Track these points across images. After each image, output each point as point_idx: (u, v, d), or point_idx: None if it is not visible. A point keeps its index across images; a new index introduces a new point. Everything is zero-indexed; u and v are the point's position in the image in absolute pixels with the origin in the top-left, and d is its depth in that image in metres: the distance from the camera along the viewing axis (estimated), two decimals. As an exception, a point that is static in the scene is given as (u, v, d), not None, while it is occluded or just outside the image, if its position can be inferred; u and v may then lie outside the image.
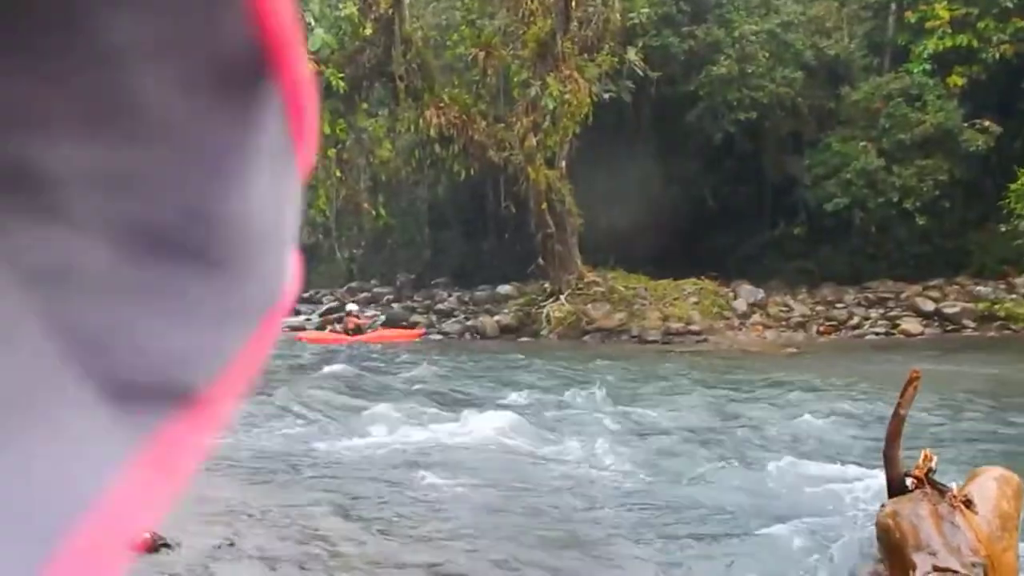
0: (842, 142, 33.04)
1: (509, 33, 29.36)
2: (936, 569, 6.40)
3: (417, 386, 17.74)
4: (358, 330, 27.56)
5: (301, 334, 28.41)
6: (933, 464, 7.06)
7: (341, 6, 26.24)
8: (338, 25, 26.58)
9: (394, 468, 11.20)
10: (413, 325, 30.58)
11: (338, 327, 28.22)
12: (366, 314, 29.84)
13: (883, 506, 7.17)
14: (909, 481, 7.11)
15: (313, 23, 25.61)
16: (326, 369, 20.42)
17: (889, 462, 7.24)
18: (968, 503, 6.63)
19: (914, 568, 6.48)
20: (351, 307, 29.59)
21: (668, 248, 33.60)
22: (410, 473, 10.83)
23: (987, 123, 31.03)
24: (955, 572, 6.36)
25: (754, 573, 7.54)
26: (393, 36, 27.41)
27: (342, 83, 25.73)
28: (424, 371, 20.04)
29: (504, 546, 8.12)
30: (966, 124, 31.30)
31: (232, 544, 7.85)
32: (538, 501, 9.69)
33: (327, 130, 26.47)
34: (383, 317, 29.57)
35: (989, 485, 6.88)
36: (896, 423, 7.13)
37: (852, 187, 31.77)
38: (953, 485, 6.93)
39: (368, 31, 26.90)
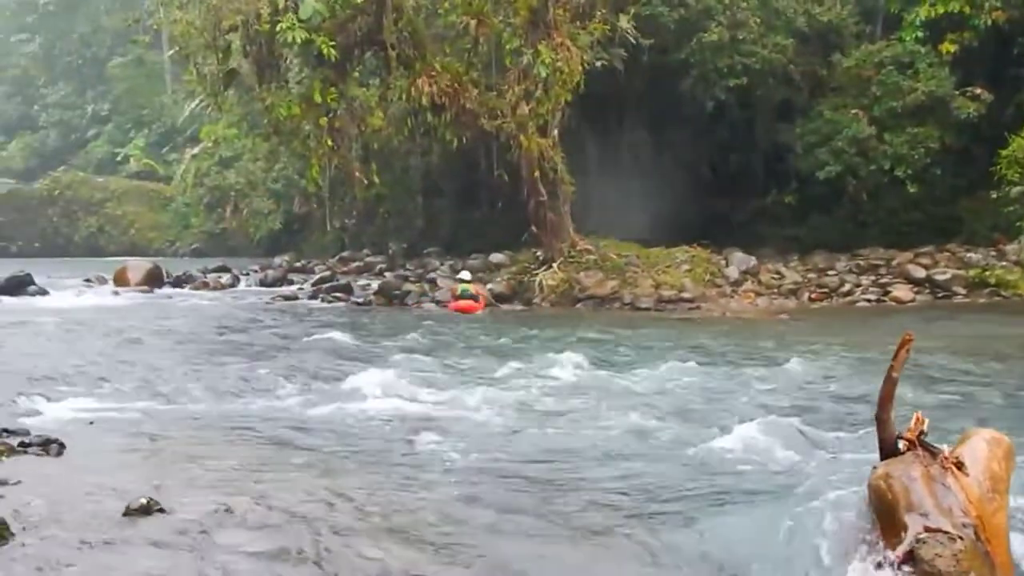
0: (834, 110, 33.08)
1: (500, 1, 29.27)
2: (927, 530, 6.47)
3: (412, 354, 17.77)
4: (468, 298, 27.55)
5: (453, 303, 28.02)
6: (924, 427, 7.13)
7: (332, -26, 26.16)
8: (329, -7, 26.49)
9: (390, 435, 11.26)
10: (403, 292, 30.54)
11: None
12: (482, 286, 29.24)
13: (875, 468, 7.24)
14: (901, 443, 7.17)
15: (304, -9, 25.56)
16: (319, 336, 20.48)
17: (881, 424, 7.31)
18: (959, 465, 6.70)
19: (905, 529, 6.55)
20: (464, 275, 29.13)
21: (660, 216, 33.67)
22: (406, 440, 10.90)
23: (979, 90, 31.12)
24: (946, 533, 6.44)
25: (744, 537, 7.61)
26: (384, 4, 27.29)
27: (333, 51, 25.67)
28: (418, 339, 20.13)
29: (492, 515, 8.18)
30: (957, 91, 31.36)
31: (228, 510, 7.89)
32: (530, 467, 9.76)
33: (318, 99, 26.41)
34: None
35: (980, 447, 6.94)
36: (889, 386, 7.20)
37: (844, 155, 31.84)
38: (944, 447, 7.00)
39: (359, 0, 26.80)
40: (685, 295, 27.47)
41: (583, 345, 18.78)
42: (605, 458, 10.09)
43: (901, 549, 6.48)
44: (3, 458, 9.29)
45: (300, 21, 25.08)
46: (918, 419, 7.18)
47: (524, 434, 11.31)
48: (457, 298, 27.59)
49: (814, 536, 7.25)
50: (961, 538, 6.33)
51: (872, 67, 32.69)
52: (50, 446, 9.78)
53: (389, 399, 13.11)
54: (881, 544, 6.76)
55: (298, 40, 25.02)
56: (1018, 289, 27.58)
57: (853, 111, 32.29)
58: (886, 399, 7.25)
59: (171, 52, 48.56)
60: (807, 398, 13.02)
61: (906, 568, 6.39)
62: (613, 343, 19.28)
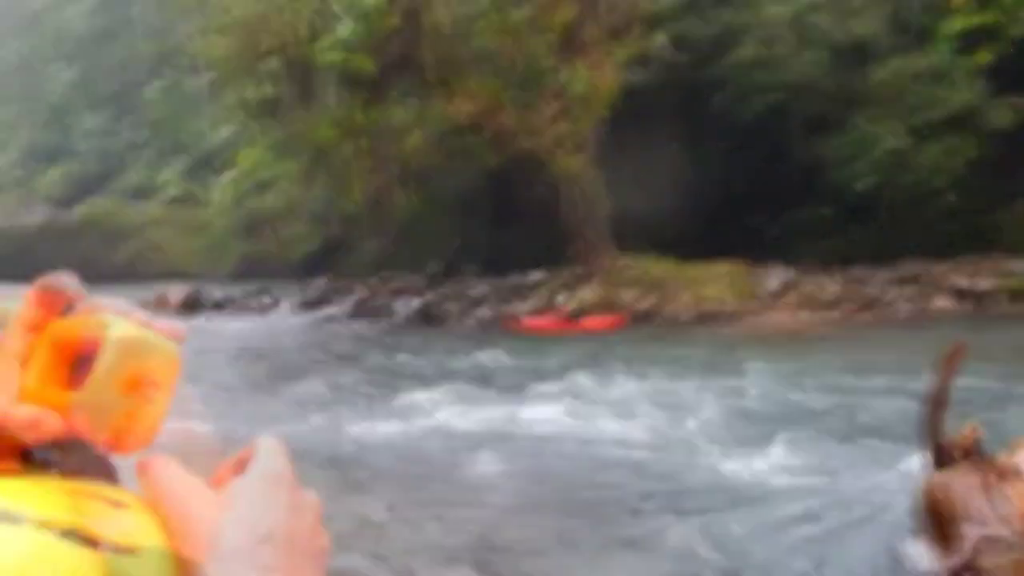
0: (869, 122, 32.97)
1: (535, 20, 29.37)
2: (986, 539, 6.49)
3: (458, 373, 17.85)
4: (576, 314, 27.59)
5: (525, 320, 28.25)
6: (979, 435, 7.14)
7: (367, -3, 26.34)
8: (365, 16, 26.65)
9: (434, 453, 11.34)
10: (443, 312, 30.59)
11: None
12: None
13: (929, 477, 7.26)
14: (955, 452, 7.20)
15: (340, 14, 25.76)
16: (363, 356, 20.56)
17: (934, 433, 7.33)
18: (1015, 472, 6.71)
19: (963, 539, 6.57)
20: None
21: (698, 231, 33.61)
22: (450, 458, 10.97)
23: (1014, 100, 30.95)
24: (1005, 541, 6.45)
25: (796, 548, 7.64)
26: (419, 26, 27.46)
27: (372, 69, 25.84)
28: (461, 357, 20.17)
29: (542, 532, 8.23)
30: (993, 101, 31.21)
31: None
32: (577, 482, 9.81)
33: (359, 119, 26.58)
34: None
35: (1035, 454, 6.95)
36: (940, 394, 7.22)
37: (880, 167, 31.72)
38: (1000, 455, 7.01)
39: (394, 21, 26.95)
40: (726, 309, 27.45)
41: (625, 359, 18.80)
42: (647, 469, 10.12)
43: (959, 558, 6.49)
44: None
45: (338, 43, 25.27)
46: (972, 428, 7.20)
47: (573, 450, 11.35)
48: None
49: (867, 549, 7.27)
50: (1020, 546, 6.35)
51: (906, 79, 32.58)
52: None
53: (438, 417, 13.19)
54: (936, 553, 6.77)
55: (336, 61, 25.20)
56: (1060, 298, 27.38)
57: (889, 123, 32.18)
58: (938, 407, 7.27)
59: (208, 77, 48.97)
60: (854, 409, 13.00)
61: (965, 576, 6.41)
62: (654, 358, 19.25)
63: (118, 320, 0.94)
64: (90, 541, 0.80)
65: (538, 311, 28.85)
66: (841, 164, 33.04)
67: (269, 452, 0.92)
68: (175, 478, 0.89)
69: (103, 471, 0.94)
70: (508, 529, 8.31)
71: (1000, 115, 30.64)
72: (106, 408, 0.91)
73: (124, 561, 0.80)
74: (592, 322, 27.18)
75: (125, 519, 0.85)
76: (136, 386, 0.93)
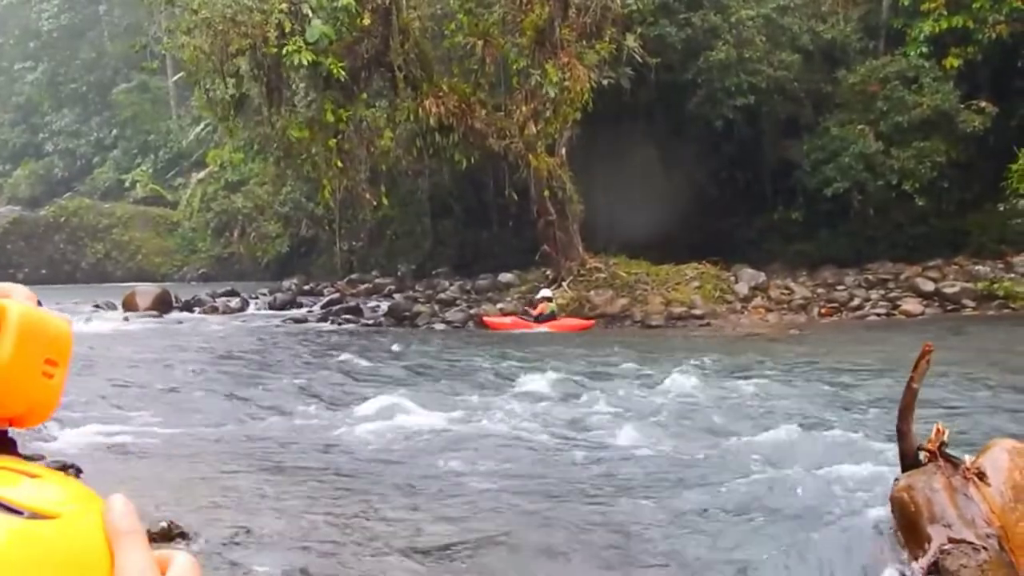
0: (840, 126, 33.16)
1: (507, 21, 29.38)
2: (951, 541, 6.50)
3: (425, 374, 17.84)
4: (550, 316, 27.52)
5: (487, 318, 28.34)
6: (945, 437, 7.15)
7: (338, -3, 26.25)
8: (336, 16, 26.56)
9: (410, 453, 11.31)
10: (413, 313, 30.56)
11: (532, 312, 27.79)
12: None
13: (897, 480, 7.26)
14: (922, 455, 7.20)
15: (311, 14, 25.65)
16: (331, 358, 20.50)
17: (902, 436, 7.33)
18: (981, 475, 6.72)
19: (929, 541, 6.58)
20: (546, 292, 28.66)
21: (669, 233, 33.70)
22: (426, 458, 10.95)
23: (983, 104, 31.15)
24: (970, 543, 6.46)
25: (767, 551, 7.63)
26: (391, 26, 27.39)
27: (342, 72, 25.76)
28: (432, 358, 20.15)
29: (511, 531, 8.21)
30: (962, 105, 31.41)
31: (249, 531, 7.93)
32: (552, 483, 9.79)
33: (329, 119, 26.49)
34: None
35: (1001, 457, 6.95)
36: (909, 397, 7.22)
37: (851, 171, 31.88)
38: (966, 457, 7.01)
39: (366, 21, 26.86)
40: (695, 311, 27.49)
41: (590, 362, 18.83)
42: (627, 473, 10.11)
43: (925, 560, 6.50)
44: (20, 484, 9.33)
45: (307, 44, 25.18)
46: (938, 430, 7.21)
47: (542, 450, 11.34)
48: (543, 316, 27.44)
49: (838, 550, 7.28)
50: (985, 548, 6.36)
51: (877, 82, 32.74)
52: (67, 471, 9.78)
53: (404, 419, 13.14)
54: (906, 556, 6.78)
55: (305, 62, 25.11)
56: (1027, 301, 27.58)
57: (859, 127, 32.35)
58: (906, 411, 7.27)
59: (176, 77, 48.78)
60: (825, 412, 13.02)
61: (931, 579, 6.41)
62: (624, 361, 19.23)
63: (13, 302, 0.97)
64: (11, 510, 0.83)
65: (508, 313, 28.79)
66: (812, 168, 33.21)
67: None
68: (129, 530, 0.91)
69: (5, 446, 0.95)
70: (485, 525, 8.29)
71: (970, 119, 30.82)
72: (9, 384, 0.94)
73: (45, 527, 0.83)
74: (567, 324, 27.15)
75: (43, 488, 0.89)
76: (36, 361, 0.96)
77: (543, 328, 26.70)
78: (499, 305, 29.66)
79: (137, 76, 67.62)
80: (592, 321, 27.76)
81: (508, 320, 28.00)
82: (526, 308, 28.51)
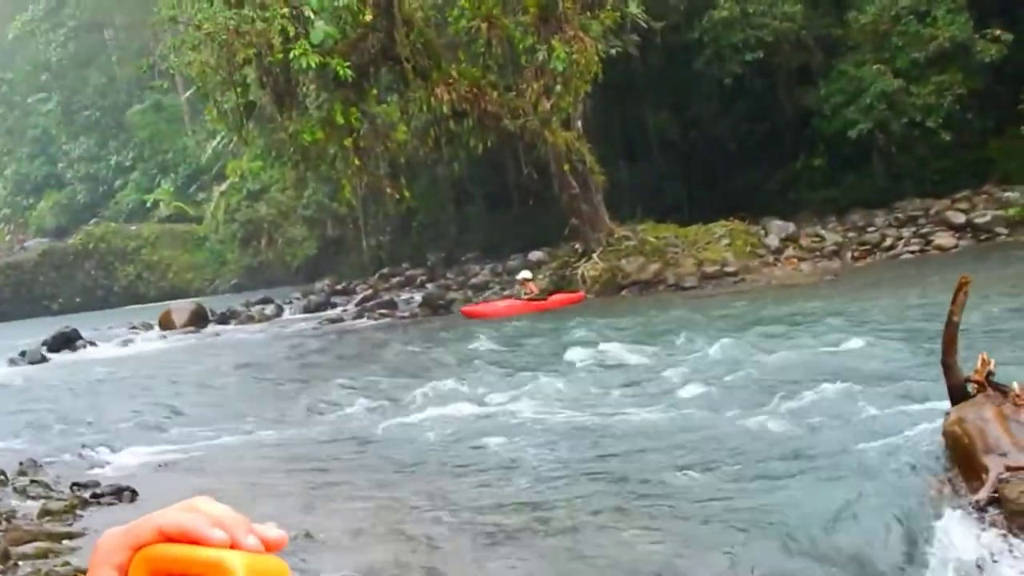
0: (856, 67, 32.86)
1: (509, 1, 29.27)
2: (1009, 469, 6.46)
3: (470, 360, 17.84)
4: (541, 294, 27.55)
5: (471, 308, 28.14)
6: (991, 367, 7.10)
7: (339, -5, 26.21)
8: (338, 15, 26.53)
9: (465, 441, 11.32)
10: (448, 301, 30.58)
11: (523, 294, 27.77)
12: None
13: (947, 413, 7.23)
14: (970, 386, 7.16)
15: (313, 16, 25.62)
16: (373, 354, 20.54)
17: (948, 370, 7.30)
18: (1033, 400, 6.68)
19: (986, 471, 6.54)
20: (525, 274, 28.83)
21: (693, 194, 33.63)
22: (481, 444, 10.95)
23: (998, 32, 30.79)
24: (1028, 469, 6.41)
25: (825, 493, 7.61)
26: (394, 19, 27.31)
27: (349, 72, 25.72)
28: (472, 345, 20.11)
29: (572, 511, 8.21)
30: (976, 35, 31.06)
31: (309, 535, 7.93)
32: (604, 458, 9.80)
33: (340, 120, 26.47)
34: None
35: (1051, 380, 6.91)
36: (950, 330, 7.18)
37: (873, 110, 31.58)
38: (1015, 384, 6.97)
39: (368, 17, 26.81)
40: (728, 269, 27.38)
41: (630, 332, 18.80)
42: (679, 440, 10.10)
43: (984, 491, 6.46)
44: (77, 511, 9.41)
45: (312, 46, 25.16)
46: (984, 360, 7.16)
47: (593, 425, 11.34)
48: (537, 297, 27.40)
49: (896, 491, 7.24)
50: (1044, 473, 6.32)
51: (889, 20, 32.38)
52: (123, 494, 9.90)
53: (454, 408, 13.18)
54: (964, 488, 6.74)
55: (312, 65, 25.08)
56: (1061, 222, 27.35)
57: (875, 66, 32.04)
58: (949, 344, 7.24)
59: (188, 93, 48.86)
60: (867, 354, 12.96)
61: (992, 509, 6.37)
62: (663, 325, 19.18)
63: (229, 555, 0.87)
64: None
65: (550, 291, 28.60)
66: (832, 113, 32.96)
67: None
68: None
69: None
70: (546, 508, 8.29)
71: (986, 48, 30.48)
72: None
73: None
74: (557, 300, 27.09)
75: None
76: None
77: (534, 308, 26.58)
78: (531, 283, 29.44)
79: (149, 96, 67.88)
80: (582, 293, 27.77)
81: (502, 305, 27.88)
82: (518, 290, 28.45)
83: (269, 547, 0.90)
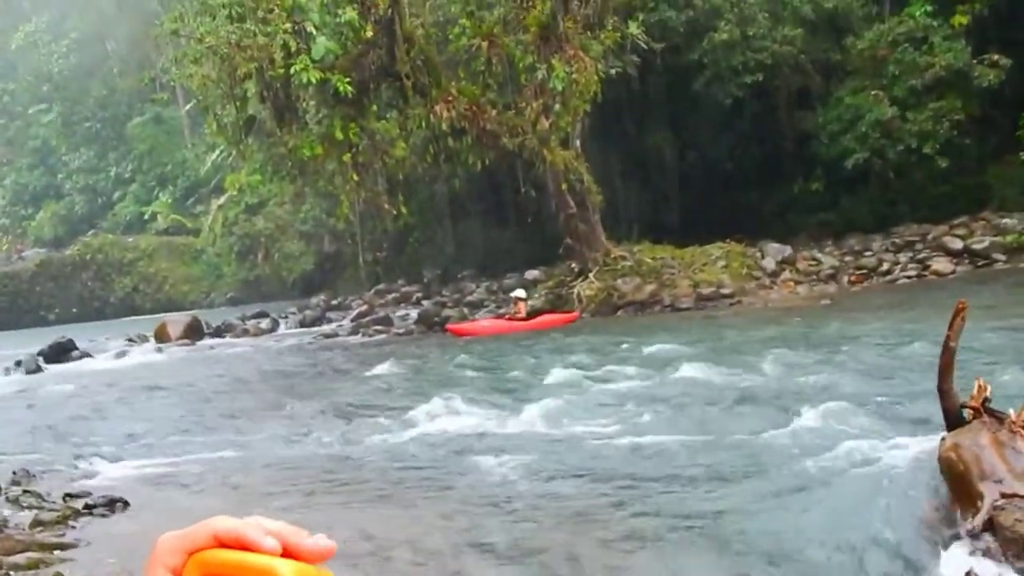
0: (853, 94, 32.95)
1: (509, 20, 29.33)
2: (1004, 496, 6.45)
3: (464, 377, 17.84)
4: (533, 313, 27.55)
5: (457, 326, 28.02)
6: (988, 393, 7.10)
7: (340, 12, 26.22)
8: (339, 31, 26.59)
9: (455, 460, 11.30)
10: (443, 318, 30.53)
11: (516, 313, 27.72)
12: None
13: (943, 439, 7.22)
14: (966, 412, 7.16)
15: (314, 32, 25.67)
16: (367, 371, 20.51)
17: (944, 395, 7.29)
18: (1028, 427, 6.67)
19: (981, 498, 6.53)
20: (519, 293, 28.78)
21: (690, 215, 33.64)
22: (479, 461, 10.94)
23: (996, 57, 30.88)
24: (1023, 497, 6.41)
25: (820, 518, 7.61)
26: (394, 36, 27.36)
27: (349, 88, 25.75)
28: (466, 362, 20.11)
29: (565, 527, 8.20)
30: (975, 61, 31.15)
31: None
32: (600, 473, 9.79)
33: (339, 136, 26.49)
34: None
35: (1046, 408, 6.91)
36: (947, 356, 7.18)
37: (869, 139, 31.63)
38: (1011, 411, 6.97)
39: (369, 33, 26.85)
40: (724, 291, 27.38)
41: (626, 352, 18.79)
42: (671, 461, 10.09)
43: (979, 518, 6.46)
44: (70, 521, 9.39)
45: (313, 62, 25.20)
46: (980, 386, 7.16)
47: (587, 442, 11.33)
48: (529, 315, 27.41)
49: (891, 516, 7.24)
50: (1039, 501, 6.31)
51: (886, 46, 32.48)
52: (115, 505, 9.88)
53: (449, 424, 13.16)
54: (958, 515, 6.73)
55: (313, 80, 25.11)
56: (1057, 249, 27.38)
57: (872, 92, 32.11)
58: (946, 369, 7.24)
59: (188, 106, 48.92)
60: (864, 379, 12.98)
61: (987, 536, 6.36)
62: (658, 346, 19.17)
63: (280, 563, 0.89)
64: None
65: (546, 310, 28.58)
66: (829, 140, 33.04)
67: None
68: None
69: None
70: (538, 531, 8.28)
71: (984, 74, 30.57)
72: None
73: None
74: (546, 320, 27.05)
75: None
76: None
77: (525, 328, 26.54)
78: (527, 302, 29.36)
79: (150, 109, 67.94)
80: (576, 313, 27.78)
81: (486, 324, 27.84)
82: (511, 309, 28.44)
83: (319, 556, 0.92)
